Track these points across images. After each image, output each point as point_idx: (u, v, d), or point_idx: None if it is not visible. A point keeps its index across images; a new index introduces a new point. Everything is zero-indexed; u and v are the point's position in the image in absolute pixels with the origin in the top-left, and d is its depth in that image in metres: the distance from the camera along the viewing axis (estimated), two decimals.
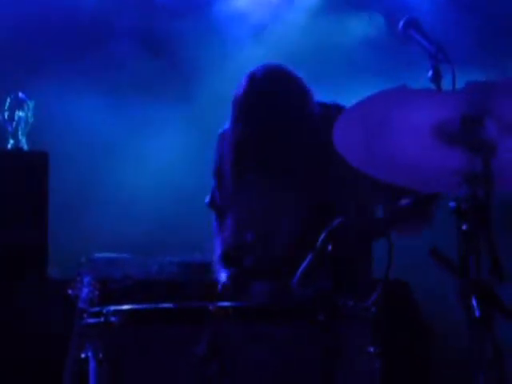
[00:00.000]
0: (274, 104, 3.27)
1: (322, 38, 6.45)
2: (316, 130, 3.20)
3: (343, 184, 3.22)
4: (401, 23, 2.81)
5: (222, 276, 3.43)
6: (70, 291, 4.00)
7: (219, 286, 3.39)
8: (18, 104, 5.46)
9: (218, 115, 5.98)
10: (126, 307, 2.63)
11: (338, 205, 3.20)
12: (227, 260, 3.42)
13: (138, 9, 6.38)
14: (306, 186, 3.26)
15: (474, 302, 2.04)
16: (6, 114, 5.43)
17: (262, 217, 3.31)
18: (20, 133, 5.39)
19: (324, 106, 3.37)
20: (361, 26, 6.56)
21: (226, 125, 3.54)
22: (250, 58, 6.34)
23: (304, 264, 2.63)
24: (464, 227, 2.11)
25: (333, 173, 3.20)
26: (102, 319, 2.62)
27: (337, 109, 3.27)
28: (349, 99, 3.13)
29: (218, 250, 3.53)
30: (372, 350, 2.68)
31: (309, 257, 2.63)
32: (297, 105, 3.29)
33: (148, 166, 6.25)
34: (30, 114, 5.43)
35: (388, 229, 2.96)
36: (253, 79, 3.32)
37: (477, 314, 2.03)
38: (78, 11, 6.19)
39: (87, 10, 6.21)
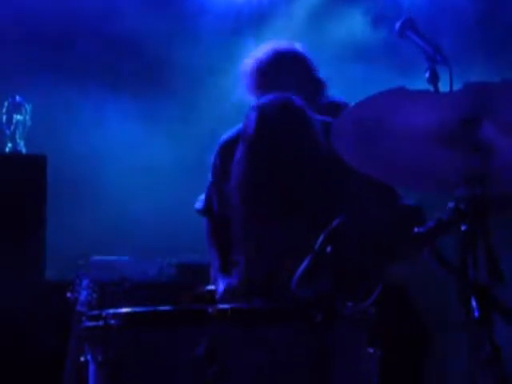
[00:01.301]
0: (287, 140, 3.23)
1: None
2: (327, 158, 3.18)
3: (347, 195, 3.21)
4: (397, 24, 2.81)
5: (220, 286, 3.40)
6: (68, 294, 4.00)
7: (217, 296, 3.36)
8: (16, 107, 5.46)
9: (203, 117, 6.00)
10: (125, 310, 2.63)
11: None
12: (258, 290, 3.35)
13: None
14: (318, 215, 3.25)
15: (473, 303, 2.04)
16: (4, 118, 5.43)
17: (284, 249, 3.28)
18: (18, 136, 5.39)
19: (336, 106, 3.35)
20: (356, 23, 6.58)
21: (229, 133, 3.50)
22: (222, 53, 6.39)
23: (303, 265, 2.62)
24: (463, 228, 2.12)
25: (338, 186, 3.20)
26: (102, 322, 2.62)
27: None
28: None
29: (215, 261, 3.49)
30: (371, 351, 2.69)
31: (308, 258, 2.62)
32: (308, 137, 3.25)
33: (145, 168, 6.25)
34: (27, 118, 5.43)
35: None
36: (263, 117, 3.27)
37: (476, 314, 2.03)
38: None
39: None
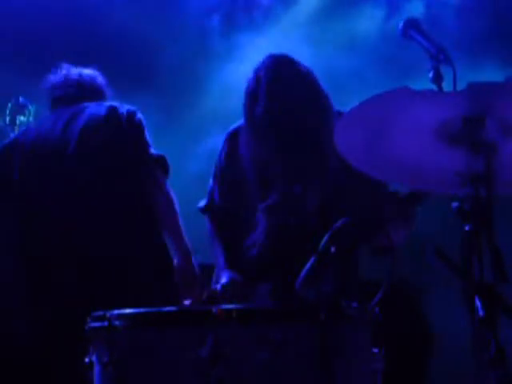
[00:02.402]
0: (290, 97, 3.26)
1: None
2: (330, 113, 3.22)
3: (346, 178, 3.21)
4: (401, 24, 2.81)
5: (223, 278, 3.41)
6: None
7: (219, 287, 3.37)
8: (19, 109, 5.46)
9: (186, 115, 5.97)
10: (129, 311, 2.63)
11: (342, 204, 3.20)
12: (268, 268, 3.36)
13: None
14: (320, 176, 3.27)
15: (478, 302, 2.04)
16: (8, 119, 5.43)
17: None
18: None
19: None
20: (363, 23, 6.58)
21: (236, 124, 3.51)
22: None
23: (307, 265, 2.62)
24: (466, 227, 2.12)
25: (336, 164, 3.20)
26: (106, 323, 2.62)
27: None
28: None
29: (220, 257, 3.49)
30: (375, 350, 2.69)
31: (312, 258, 2.63)
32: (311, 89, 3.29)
33: None
34: (31, 119, 5.43)
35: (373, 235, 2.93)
36: (258, 77, 3.30)
37: (480, 313, 2.03)
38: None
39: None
